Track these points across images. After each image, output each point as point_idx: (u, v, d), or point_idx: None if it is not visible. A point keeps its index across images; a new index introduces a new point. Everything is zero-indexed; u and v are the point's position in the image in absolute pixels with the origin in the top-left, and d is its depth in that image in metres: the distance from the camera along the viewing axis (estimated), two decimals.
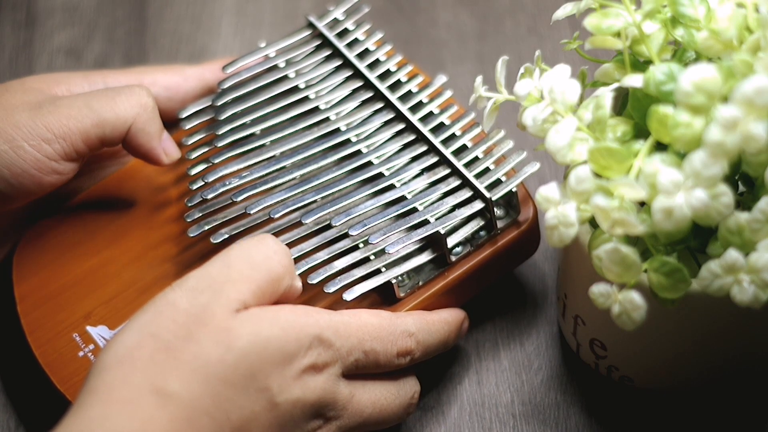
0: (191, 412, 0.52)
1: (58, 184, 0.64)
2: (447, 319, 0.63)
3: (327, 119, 0.68)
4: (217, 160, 0.66)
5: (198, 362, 0.53)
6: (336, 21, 0.72)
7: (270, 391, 0.54)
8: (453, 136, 0.66)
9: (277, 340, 0.55)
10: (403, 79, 0.69)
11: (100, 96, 0.64)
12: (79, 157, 0.64)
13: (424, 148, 0.66)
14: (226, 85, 0.70)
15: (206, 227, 0.65)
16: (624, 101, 0.59)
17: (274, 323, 0.55)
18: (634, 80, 0.55)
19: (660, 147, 0.54)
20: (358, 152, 0.67)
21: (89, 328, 0.64)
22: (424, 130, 0.66)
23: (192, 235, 0.65)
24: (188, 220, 0.65)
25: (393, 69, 0.70)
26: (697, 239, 0.55)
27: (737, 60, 0.52)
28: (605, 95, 0.55)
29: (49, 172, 0.63)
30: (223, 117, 0.68)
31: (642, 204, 0.54)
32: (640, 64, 0.58)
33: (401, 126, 0.67)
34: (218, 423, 0.53)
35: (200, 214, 0.65)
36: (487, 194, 0.63)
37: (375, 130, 0.68)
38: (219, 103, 0.69)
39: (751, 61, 0.51)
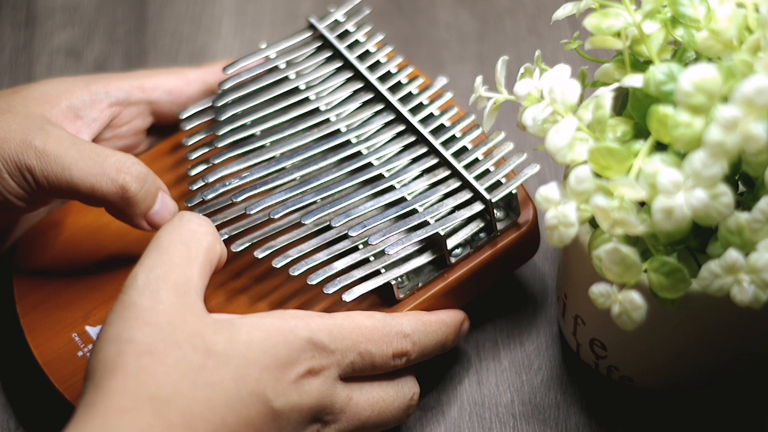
0: (187, 417, 0.52)
1: (40, 208, 0.65)
2: (445, 320, 0.63)
3: (327, 120, 0.68)
4: (217, 161, 0.66)
5: (183, 367, 0.53)
6: (337, 23, 0.72)
7: (264, 395, 0.54)
8: (453, 138, 0.66)
9: (261, 343, 0.55)
10: (404, 81, 0.69)
11: (86, 164, 0.62)
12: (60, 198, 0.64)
13: (424, 150, 0.66)
14: (227, 86, 0.70)
15: None
16: (624, 101, 0.59)
17: (256, 328, 0.55)
18: (634, 80, 0.55)
19: (660, 147, 0.54)
20: (359, 153, 0.67)
21: (88, 328, 0.64)
22: (425, 132, 0.66)
23: None
24: None
25: (394, 71, 0.70)
26: (697, 239, 0.55)
27: (737, 60, 0.52)
28: (605, 95, 0.55)
29: (30, 201, 0.63)
30: (223, 118, 0.68)
31: (642, 204, 0.54)
32: (640, 64, 0.58)
33: (402, 128, 0.67)
34: (215, 427, 0.53)
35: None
36: (487, 196, 0.63)
37: (375, 132, 0.68)
38: (219, 104, 0.69)
39: (751, 61, 0.51)
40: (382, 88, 0.69)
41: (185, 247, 0.57)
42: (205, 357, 0.54)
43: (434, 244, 0.64)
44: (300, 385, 0.56)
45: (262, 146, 0.67)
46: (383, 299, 0.63)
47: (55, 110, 0.65)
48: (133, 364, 0.53)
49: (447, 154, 0.65)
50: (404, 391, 0.61)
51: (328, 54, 0.71)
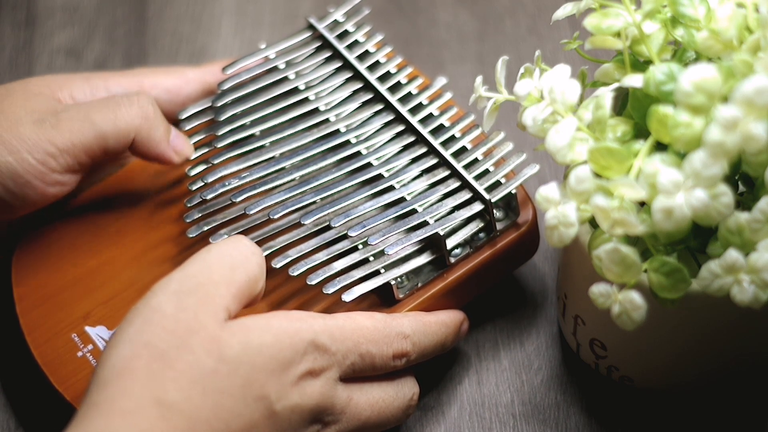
0: (192, 422, 0.52)
1: (61, 195, 0.64)
2: (444, 321, 0.63)
3: (327, 121, 0.68)
4: (216, 161, 0.66)
5: (194, 372, 0.53)
6: (336, 23, 0.72)
7: (268, 399, 0.54)
8: (453, 138, 0.66)
9: (270, 347, 0.55)
10: (404, 81, 0.69)
11: (101, 108, 0.64)
12: (82, 169, 0.64)
13: (423, 150, 0.66)
14: (226, 86, 0.70)
15: (205, 228, 0.65)
16: (624, 101, 0.59)
17: (266, 331, 0.55)
18: (634, 80, 0.55)
19: (660, 147, 0.54)
20: (358, 153, 0.67)
21: (88, 329, 0.64)
22: (424, 132, 0.66)
23: (191, 235, 0.65)
24: (187, 221, 0.65)
25: (393, 71, 0.70)
26: (697, 239, 0.55)
27: (737, 60, 0.51)
28: (605, 95, 0.55)
29: (52, 183, 0.63)
30: (223, 118, 0.68)
31: (642, 204, 0.54)
32: (640, 64, 0.58)
33: (401, 128, 0.67)
34: None
35: (199, 215, 0.65)
36: (487, 196, 0.63)
37: (375, 132, 0.68)
38: (219, 104, 0.69)
39: (751, 61, 0.51)
40: (382, 88, 0.69)
41: (230, 270, 0.56)
42: (218, 362, 0.53)
43: (434, 244, 0.64)
44: (300, 386, 0.56)
45: (262, 146, 0.67)
46: (383, 299, 0.63)
47: (57, 96, 0.66)
48: (144, 368, 0.52)
49: (446, 154, 0.65)
50: (404, 391, 0.61)
51: (327, 54, 0.71)
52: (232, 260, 0.56)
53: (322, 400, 0.57)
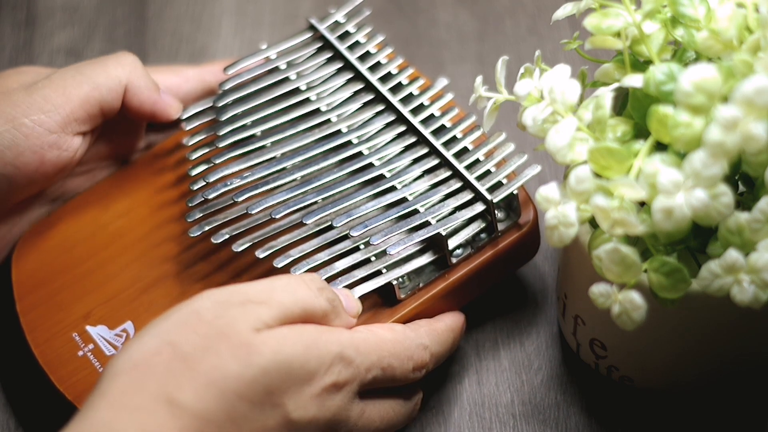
0: (202, 424, 0.51)
1: (61, 165, 0.64)
2: (451, 326, 0.63)
3: (328, 121, 0.68)
4: (218, 161, 0.66)
5: (215, 375, 0.52)
6: (337, 23, 0.72)
7: (284, 408, 0.54)
8: (454, 139, 0.66)
9: (299, 358, 0.54)
10: (405, 82, 0.69)
11: (90, 63, 0.66)
12: (80, 126, 0.64)
13: (425, 151, 0.66)
14: (227, 87, 0.70)
15: (207, 227, 0.65)
16: (624, 101, 0.59)
17: (298, 342, 0.54)
18: (634, 80, 0.55)
19: (660, 147, 0.54)
20: (360, 154, 0.67)
21: (88, 328, 0.64)
22: (426, 132, 0.66)
23: (193, 235, 0.65)
24: (189, 221, 0.65)
25: (394, 72, 0.70)
26: (697, 239, 0.55)
27: (737, 60, 0.52)
28: (605, 95, 0.55)
29: (50, 146, 0.63)
30: (224, 118, 0.68)
31: (642, 204, 0.54)
32: (640, 64, 0.58)
33: (403, 128, 0.67)
34: None
35: (201, 215, 0.65)
36: (488, 196, 0.63)
37: (376, 133, 0.68)
38: (220, 104, 0.69)
39: (751, 61, 0.51)
40: (383, 89, 0.69)
41: (292, 301, 0.55)
42: (244, 367, 0.52)
43: (435, 244, 0.64)
44: (321, 399, 0.55)
45: (263, 146, 0.67)
46: (384, 299, 0.63)
47: None
48: (162, 365, 0.52)
49: (448, 155, 0.65)
50: (410, 398, 0.61)
51: (328, 55, 0.71)
52: (296, 295, 0.56)
53: (338, 413, 0.56)
